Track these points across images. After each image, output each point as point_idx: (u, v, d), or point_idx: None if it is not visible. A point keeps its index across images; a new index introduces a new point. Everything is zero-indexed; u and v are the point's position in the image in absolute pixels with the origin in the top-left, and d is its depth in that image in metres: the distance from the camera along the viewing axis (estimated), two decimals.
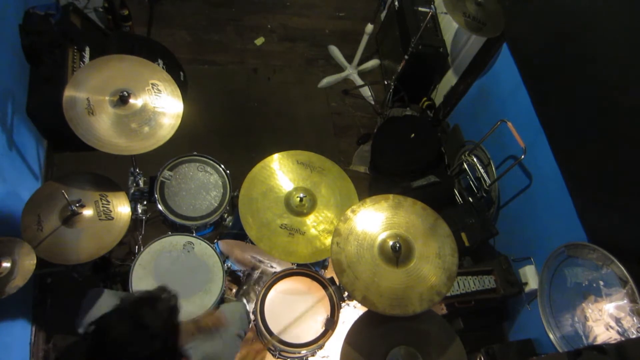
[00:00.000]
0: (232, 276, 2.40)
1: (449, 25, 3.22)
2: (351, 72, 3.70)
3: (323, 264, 2.40)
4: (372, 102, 3.62)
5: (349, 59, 3.72)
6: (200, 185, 2.30)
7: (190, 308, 1.95)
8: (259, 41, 3.76)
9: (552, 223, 2.35)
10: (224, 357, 1.78)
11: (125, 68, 2.04)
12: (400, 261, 1.85)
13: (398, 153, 3.12)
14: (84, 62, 2.78)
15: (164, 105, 2.02)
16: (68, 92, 1.90)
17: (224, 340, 1.81)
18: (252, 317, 2.14)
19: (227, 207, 2.30)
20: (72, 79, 1.94)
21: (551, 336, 2.04)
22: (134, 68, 2.05)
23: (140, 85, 2.01)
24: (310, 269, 2.20)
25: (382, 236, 1.90)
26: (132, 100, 1.96)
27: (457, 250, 1.87)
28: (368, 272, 1.83)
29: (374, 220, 1.93)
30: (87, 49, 2.83)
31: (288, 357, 2.19)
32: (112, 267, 2.39)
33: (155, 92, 2.02)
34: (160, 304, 1.26)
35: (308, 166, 2.24)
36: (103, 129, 1.91)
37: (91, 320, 1.22)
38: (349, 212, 1.94)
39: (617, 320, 1.81)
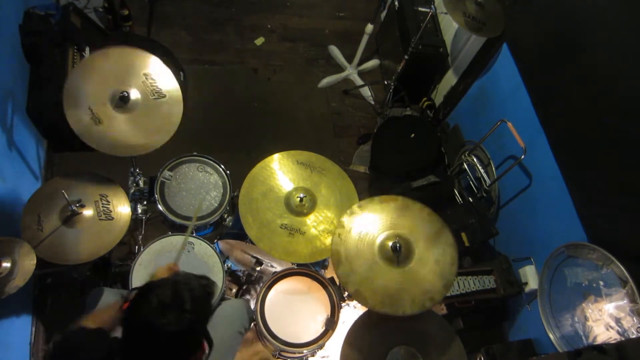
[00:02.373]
0: (232, 276, 2.41)
1: (449, 25, 3.22)
2: (351, 72, 3.70)
3: (323, 264, 2.40)
4: (372, 102, 3.62)
5: (349, 59, 3.71)
6: (200, 185, 2.30)
7: None
8: (259, 41, 3.76)
9: (552, 223, 2.35)
10: (224, 353, 1.78)
11: (112, 66, 2.01)
12: (399, 261, 1.86)
13: (398, 153, 3.12)
14: (79, 63, 2.77)
15: (162, 88, 2.02)
16: (68, 109, 1.89)
17: (224, 337, 1.81)
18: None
19: (227, 207, 2.30)
20: (65, 92, 1.91)
21: (551, 336, 2.04)
22: (121, 63, 2.02)
23: (135, 80, 2.00)
24: (310, 269, 2.20)
25: (384, 235, 1.91)
26: (132, 97, 1.96)
27: (457, 260, 1.87)
28: (365, 267, 1.85)
29: (378, 218, 1.95)
30: (87, 49, 2.83)
31: (288, 357, 2.19)
32: (112, 267, 2.39)
33: (150, 80, 2.01)
34: (200, 289, 1.24)
35: (308, 166, 2.24)
36: (115, 133, 1.92)
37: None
38: (355, 207, 1.96)
39: (617, 320, 1.81)
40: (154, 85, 2.00)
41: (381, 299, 1.79)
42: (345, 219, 1.95)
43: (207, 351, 1.27)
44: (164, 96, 2.01)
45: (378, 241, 1.90)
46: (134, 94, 1.98)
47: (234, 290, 2.43)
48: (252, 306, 2.17)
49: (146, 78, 2.01)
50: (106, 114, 1.94)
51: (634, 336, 1.75)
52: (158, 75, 2.03)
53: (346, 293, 2.21)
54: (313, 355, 2.25)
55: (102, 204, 2.02)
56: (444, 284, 1.82)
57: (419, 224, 1.94)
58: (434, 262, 1.86)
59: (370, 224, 1.93)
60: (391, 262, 1.85)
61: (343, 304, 2.25)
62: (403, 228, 1.93)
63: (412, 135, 3.11)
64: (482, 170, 2.78)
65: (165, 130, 1.99)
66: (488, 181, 2.74)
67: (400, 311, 1.77)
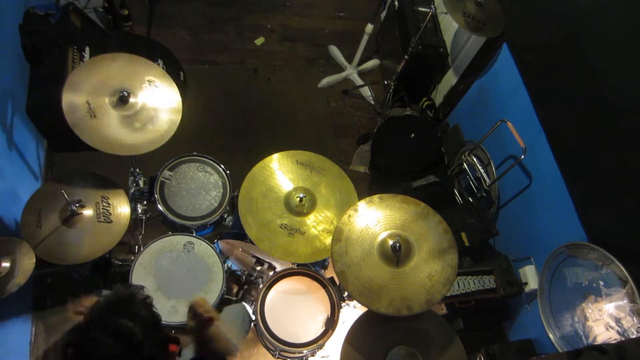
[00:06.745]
0: (232, 276, 2.41)
1: (449, 25, 3.22)
2: (351, 72, 3.70)
3: (323, 264, 2.40)
4: (372, 102, 3.62)
5: (349, 59, 3.71)
6: (200, 185, 2.30)
7: None
8: (259, 41, 3.76)
9: (552, 223, 2.35)
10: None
11: (119, 67, 2.02)
12: (393, 261, 1.86)
13: (398, 153, 3.12)
14: (83, 62, 2.78)
15: (163, 98, 2.02)
16: (66, 98, 1.88)
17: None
18: (252, 317, 2.14)
19: (227, 207, 2.30)
20: (67, 83, 1.91)
21: (551, 336, 2.04)
22: (127, 66, 2.03)
23: (137, 84, 2.00)
24: (310, 269, 2.20)
25: (389, 232, 1.92)
26: (132, 100, 1.95)
27: (451, 284, 1.86)
28: (359, 254, 1.87)
29: (392, 216, 1.96)
30: (87, 49, 2.83)
31: (288, 357, 2.19)
32: (112, 267, 2.39)
33: (152, 88, 2.01)
34: (136, 305, 1.18)
35: (308, 166, 2.24)
36: (108, 130, 1.91)
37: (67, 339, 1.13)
38: (376, 198, 1.98)
39: (617, 320, 1.81)
40: (156, 93, 2.01)
41: (361, 289, 1.80)
42: (362, 204, 1.96)
43: (178, 348, 1.24)
44: (164, 104, 2.02)
45: (381, 236, 1.91)
46: (135, 98, 1.98)
47: (234, 290, 2.43)
48: (252, 306, 2.18)
49: (149, 84, 2.01)
50: (102, 110, 1.92)
51: (634, 336, 1.75)
52: (162, 85, 2.04)
53: (346, 293, 2.21)
54: (313, 355, 2.25)
55: (103, 206, 2.01)
56: (427, 299, 1.80)
57: (430, 235, 1.93)
58: (427, 275, 1.84)
59: (383, 218, 1.94)
60: (385, 260, 1.86)
61: (343, 304, 2.25)
62: (412, 233, 1.92)
63: (412, 135, 3.11)
64: (482, 170, 2.78)
65: (157, 139, 1.98)
66: (488, 181, 2.74)
67: (374, 307, 1.77)
